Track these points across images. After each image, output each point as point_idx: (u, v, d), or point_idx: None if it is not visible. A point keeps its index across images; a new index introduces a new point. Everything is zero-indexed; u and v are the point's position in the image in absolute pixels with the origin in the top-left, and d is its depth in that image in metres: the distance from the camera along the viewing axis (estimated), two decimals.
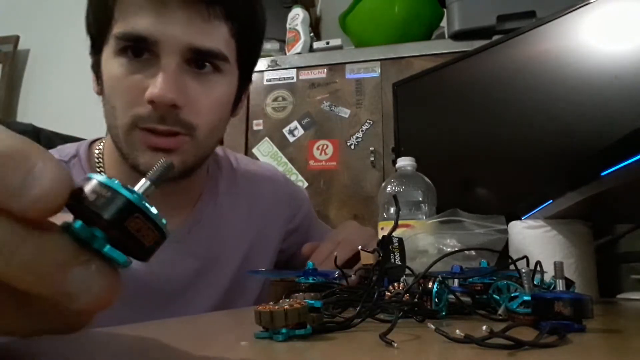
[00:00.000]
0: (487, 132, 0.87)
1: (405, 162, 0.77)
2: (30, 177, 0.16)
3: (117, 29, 0.53)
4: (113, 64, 0.55)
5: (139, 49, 0.53)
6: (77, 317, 0.20)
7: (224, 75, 0.58)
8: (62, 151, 0.64)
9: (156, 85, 0.52)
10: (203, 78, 0.56)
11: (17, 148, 0.17)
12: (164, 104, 0.53)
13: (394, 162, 0.82)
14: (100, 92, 0.59)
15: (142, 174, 0.58)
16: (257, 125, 1.59)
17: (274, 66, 1.58)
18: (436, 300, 0.37)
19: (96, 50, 0.58)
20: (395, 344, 0.24)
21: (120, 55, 0.54)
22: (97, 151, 0.65)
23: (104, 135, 0.69)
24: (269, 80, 1.58)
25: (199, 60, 0.56)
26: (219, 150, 0.74)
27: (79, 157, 0.63)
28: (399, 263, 0.45)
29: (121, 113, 0.55)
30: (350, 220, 0.82)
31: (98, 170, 0.63)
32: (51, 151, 0.63)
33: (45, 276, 0.16)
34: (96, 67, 0.59)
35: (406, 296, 0.38)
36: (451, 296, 0.40)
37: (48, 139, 0.93)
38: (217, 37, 0.55)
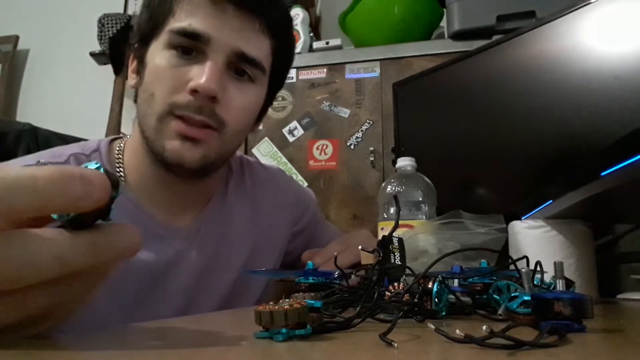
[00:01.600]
0: (487, 132, 0.87)
1: (405, 162, 0.77)
2: (88, 186, 0.23)
3: (174, 23, 0.57)
4: (161, 55, 0.58)
5: (190, 47, 0.57)
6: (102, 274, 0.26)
7: (256, 86, 0.63)
8: (84, 146, 0.66)
9: (202, 76, 0.55)
10: (240, 84, 0.60)
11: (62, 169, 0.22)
12: (206, 95, 0.56)
13: (394, 162, 0.82)
14: (138, 84, 0.62)
15: (165, 162, 0.61)
16: None
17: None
18: (436, 300, 0.37)
19: (143, 44, 0.61)
20: (395, 344, 0.24)
21: (169, 49, 0.58)
22: (117, 149, 0.67)
23: (116, 135, 0.72)
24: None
25: (239, 67, 0.60)
26: None
27: (99, 152, 0.65)
28: (399, 263, 0.45)
29: (159, 100, 0.57)
30: (364, 229, 0.83)
31: (117, 165, 0.65)
32: (74, 145, 0.66)
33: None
34: (139, 60, 0.62)
35: (406, 296, 0.38)
36: (451, 296, 0.39)
37: (46, 139, 0.93)
38: (261, 48, 0.61)
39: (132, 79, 0.64)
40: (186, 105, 0.56)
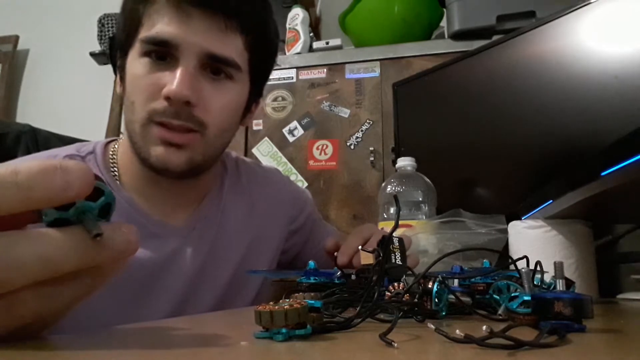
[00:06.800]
0: (487, 132, 0.87)
1: (405, 162, 0.77)
2: (68, 176, 0.22)
3: (143, 33, 0.59)
4: (137, 64, 0.60)
5: (161, 53, 0.58)
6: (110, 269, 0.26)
7: (235, 83, 0.63)
8: (80, 147, 0.67)
9: (173, 83, 0.56)
10: (217, 83, 0.61)
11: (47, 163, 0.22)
12: (178, 101, 0.57)
13: (394, 162, 0.82)
14: (122, 92, 0.63)
15: (152, 167, 0.62)
16: (257, 125, 1.59)
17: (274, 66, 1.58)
18: (436, 300, 0.37)
19: (123, 54, 0.62)
20: (395, 344, 0.24)
21: (144, 56, 0.59)
22: (111, 151, 0.68)
23: (112, 137, 0.73)
24: (269, 80, 1.58)
25: (214, 66, 0.60)
26: (225, 151, 0.75)
27: (94, 154, 0.66)
28: (400, 263, 0.45)
29: (139, 108, 0.59)
30: (368, 223, 0.81)
31: (111, 166, 0.66)
32: (70, 147, 0.67)
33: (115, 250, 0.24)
34: (121, 69, 0.63)
35: (406, 296, 0.38)
36: (451, 296, 0.39)
37: (45, 140, 0.93)
38: (232, 47, 0.60)
39: (118, 87, 0.66)
40: (163, 111, 0.57)
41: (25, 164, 0.22)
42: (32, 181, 0.22)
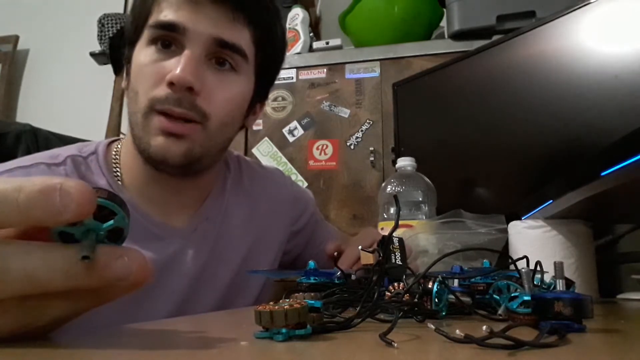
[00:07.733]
0: (487, 132, 0.87)
1: (405, 162, 0.77)
2: (66, 198, 0.22)
3: (152, 20, 0.59)
4: (143, 53, 0.59)
5: (167, 40, 0.58)
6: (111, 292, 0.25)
7: (240, 76, 0.62)
8: (82, 148, 0.66)
9: (177, 68, 0.56)
10: (221, 74, 0.60)
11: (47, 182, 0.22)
12: (181, 86, 0.56)
13: (394, 162, 0.82)
14: (127, 86, 0.63)
15: (151, 158, 0.61)
16: (257, 125, 1.59)
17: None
18: (436, 300, 0.37)
19: (130, 46, 0.62)
20: (395, 344, 0.24)
21: (150, 45, 0.59)
22: (114, 151, 0.67)
23: (116, 136, 0.72)
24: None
25: (220, 56, 0.60)
26: (228, 151, 0.75)
27: (97, 155, 0.65)
28: (400, 263, 0.45)
29: (142, 97, 0.58)
30: (370, 227, 0.81)
31: (114, 166, 0.65)
32: (72, 147, 0.66)
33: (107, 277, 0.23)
34: (127, 61, 0.63)
35: (406, 296, 0.38)
36: (451, 296, 0.39)
37: (46, 139, 0.93)
38: (240, 36, 0.61)
39: (124, 81, 0.65)
40: (165, 98, 0.57)
41: (29, 181, 0.22)
42: (32, 201, 0.22)
